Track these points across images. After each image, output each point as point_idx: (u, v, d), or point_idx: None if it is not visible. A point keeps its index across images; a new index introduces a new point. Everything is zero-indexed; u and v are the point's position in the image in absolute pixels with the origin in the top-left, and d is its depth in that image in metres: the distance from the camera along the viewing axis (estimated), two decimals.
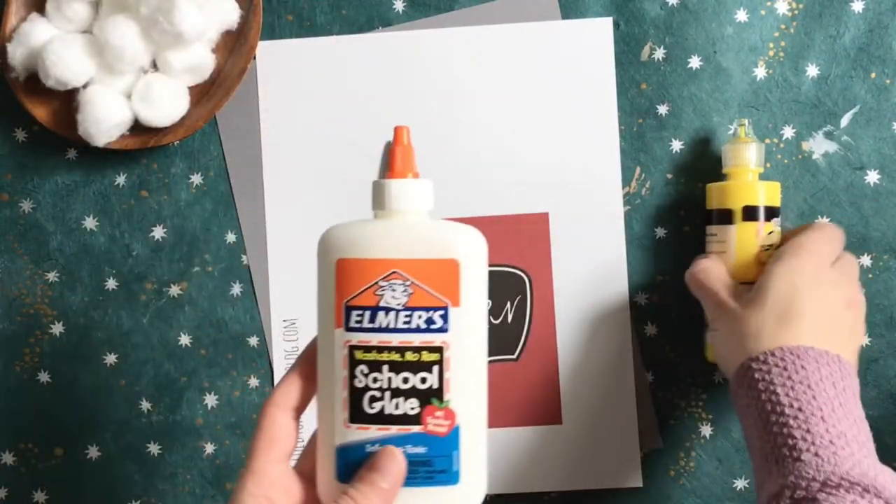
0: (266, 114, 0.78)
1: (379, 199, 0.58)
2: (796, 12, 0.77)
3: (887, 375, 0.77)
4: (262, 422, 0.57)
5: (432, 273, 0.56)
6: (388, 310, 0.56)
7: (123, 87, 0.75)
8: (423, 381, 0.56)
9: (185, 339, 0.78)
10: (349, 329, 0.56)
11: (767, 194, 0.73)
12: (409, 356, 0.56)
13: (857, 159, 0.77)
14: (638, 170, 0.77)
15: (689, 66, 0.77)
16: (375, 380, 0.56)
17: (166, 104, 0.75)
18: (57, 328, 0.78)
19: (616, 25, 0.77)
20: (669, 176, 0.77)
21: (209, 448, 0.78)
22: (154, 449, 0.78)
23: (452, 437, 0.56)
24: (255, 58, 0.77)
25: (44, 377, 0.78)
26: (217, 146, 0.78)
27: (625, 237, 0.77)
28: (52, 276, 0.78)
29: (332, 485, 0.57)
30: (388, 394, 0.56)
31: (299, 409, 0.58)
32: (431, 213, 0.58)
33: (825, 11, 0.77)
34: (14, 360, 0.78)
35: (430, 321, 0.56)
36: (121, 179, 0.78)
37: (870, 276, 0.77)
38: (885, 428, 0.77)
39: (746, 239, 0.72)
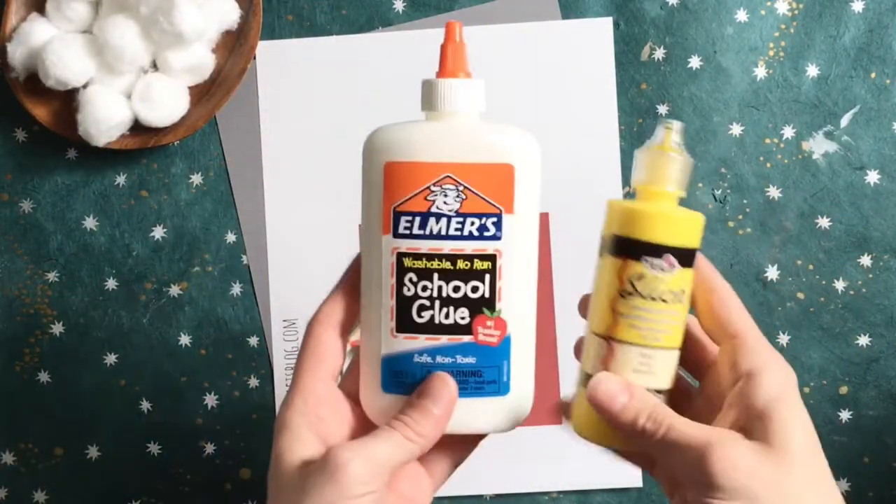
0: (266, 114, 0.78)
1: (429, 100, 0.55)
2: (796, 12, 0.77)
3: (887, 375, 0.77)
4: (308, 341, 0.55)
5: (486, 178, 0.53)
6: (439, 216, 0.54)
7: (123, 87, 0.75)
8: (475, 290, 0.54)
9: (185, 339, 0.78)
10: (397, 235, 0.54)
11: (674, 232, 0.53)
12: (461, 264, 0.54)
13: (857, 159, 0.77)
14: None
15: (689, 66, 0.77)
16: (425, 288, 0.54)
17: (166, 104, 0.75)
18: (57, 328, 0.78)
19: (616, 25, 0.77)
20: None
21: (209, 448, 0.78)
22: (154, 449, 0.78)
23: (503, 347, 0.55)
24: (255, 58, 0.77)
25: (44, 377, 0.78)
26: (217, 146, 0.78)
27: None
28: (52, 276, 0.78)
29: (378, 396, 0.55)
30: (437, 303, 0.54)
31: (346, 327, 0.56)
32: (483, 115, 0.56)
33: (825, 11, 0.77)
34: (14, 360, 0.78)
35: (482, 228, 0.54)
36: (121, 179, 0.78)
37: (870, 276, 0.77)
38: (884, 428, 0.77)
39: (607, 278, 0.54)
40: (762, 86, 0.77)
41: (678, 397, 0.55)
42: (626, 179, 0.77)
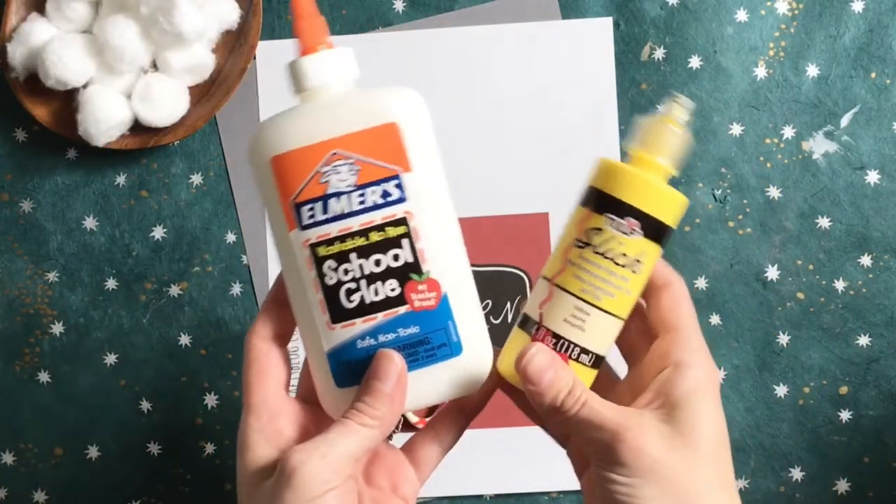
0: (266, 114, 0.78)
1: (297, 81, 0.53)
2: (796, 12, 0.77)
3: (887, 375, 0.77)
4: (248, 356, 0.54)
5: (374, 143, 0.51)
6: (339, 194, 0.52)
7: (123, 87, 0.75)
8: (396, 258, 0.52)
9: (185, 339, 0.78)
10: (304, 227, 0.52)
11: (645, 197, 0.52)
12: (375, 236, 0.52)
13: (857, 159, 0.77)
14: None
15: (689, 66, 0.77)
16: (346, 271, 0.52)
17: (166, 104, 0.75)
18: (57, 328, 0.78)
19: (616, 25, 0.78)
20: None
21: (209, 448, 0.78)
22: (154, 449, 0.78)
23: (443, 307, 0.53)
24: (255, 58, 0.77)
25: (44, 377, 0.78)
26: (217, 146, 0.78)
27: None
28: (52, 275, 0.78)
29: (334, 393, 0.54)
30: (363, 282, 0.52)
31: (284, 337, 0.56)
32: (357, 82, 0.53)
33: (825, 11, 0.77)
34: (14, 359, 0.78)
35: (385, 194, 0.52)
36: (121, 179, 0.78)
37: (870, 276, 0.77)
38: (884, 428, 0.77)
39: (570, 226, 0.54)
40: (762, 86, 0.77)
41: (602, 381, 0.55)
42: None
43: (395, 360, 0.52)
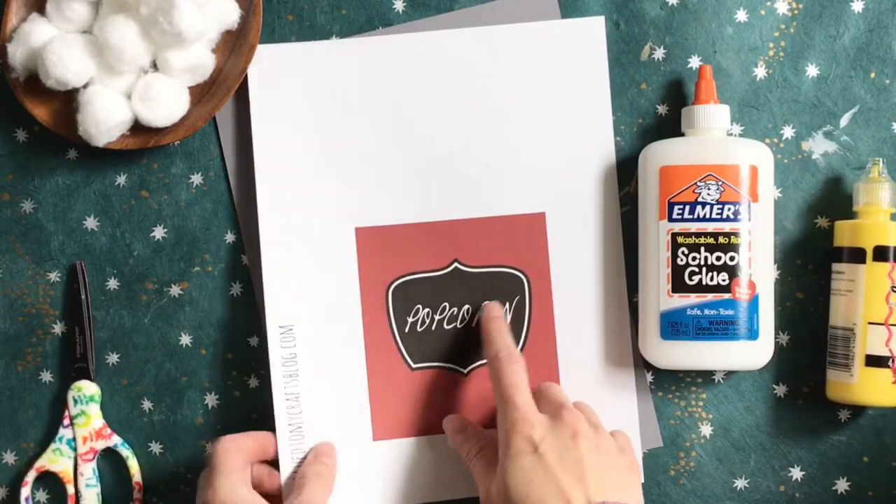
0: (258, 119, 0.77)
1: (689, 121, 0.74)
2: (796, 12, 0.77)
3: None
4: (215, 457, 0.71)
5: (738, 176, 0.72)
6: (704, 203, 0.72)
7: (123, 87, 0.75)
8: (732, 259, 0.72)
9: (185, 339, 0.78)
10: (671, 220, 0.73)
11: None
12: (721, 239, 0.72)
13: (856, 159, 0.77)
14: (638, 171, 0.77)
15: (689, 66, 0.77)
16: (694, 258, 0.72)
17: (166, 104, 0.75)
18: (59, 328, 0.79)
19: (616, 25, 0.77)
20: None
21: (209, 448, 0.78)
22: (155, 448, 0.79)
23: (754, 303, 0.72)
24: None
25: (46, 377, 0.79)
26: (217, 146, 0.78)
27: (622, 238, 0.77)
28: (53, 276, 0.79)
29: (657, 342, 0.73)
30: (704, 269, 0.72)
31: (249, 456, 0.72)
32: (728, 131, 0.75)
33: (825, 11, 0.77)
34: (16, 359, 0.79)
35: (736, 213, 0.72)
36: (121, 179, 0.79)
37: None
38: (884, 428, 0.77)
39: (878, 279, 0.72)
40: (762, 86, 0.77)
41: None
42: (626, 180, 0.77)
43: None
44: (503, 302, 0.77)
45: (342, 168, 0.77)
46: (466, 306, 0.77)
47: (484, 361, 0.76)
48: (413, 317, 0.77)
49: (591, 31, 0.77)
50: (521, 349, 0.77)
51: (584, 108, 0.77)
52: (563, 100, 0.77)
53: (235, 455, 0.70)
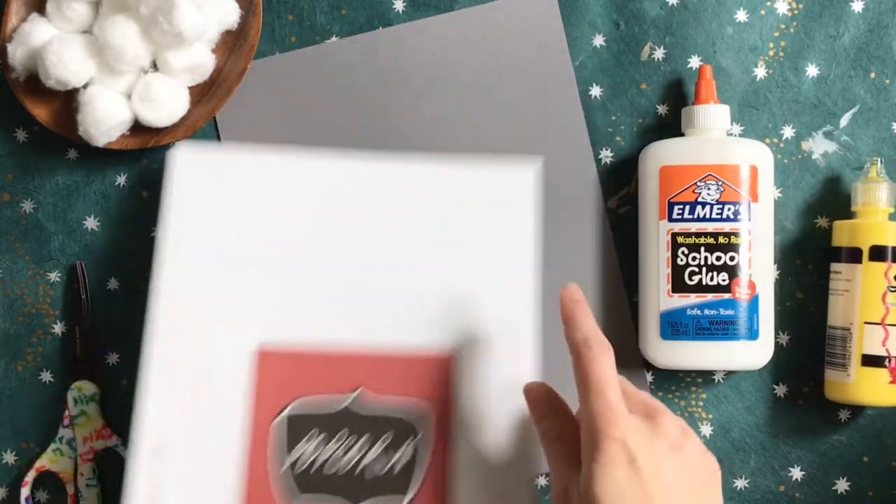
0: (169, 221, 0.73)
1: (689, 121, 0.74)
2: (796, 12, 0.77)
3: None
4: None
5: (738, 176, 0.72)
6: (704, 203, 0.72)
7: (123, 87, 0.75)
8: (732, 258, 0.72)
9: None
10: (671, 220, 0.72)
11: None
12: (721, 239, 0.72)
13: (856, 159, 0.77)
14: (638, 171, 0.77)
15: (689, 66, 0.77)
16: (694, 258, 0.72)
17: (166, 104, 0.75)
18: (59, 328, 0.79)
19: (616, 25, 0.78)
20: None
21: None
22: None
23: (753, 303, 0.72)
24: (252, 60, 0.77)
25: (46, 377, 0.79)
26: None
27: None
28: (53, 276, 0.79)
29: (657, 342, 0.73)
30: (704, 269, 0.72)
31: None
32: (728, 131, 0.75)
33: (825, 11, 0.77)
34: (16, 359, 0.79)
35: (736, 213, 0.72)
36: (121, 179, 0.79)
37: None
38: (884, 428, 0.77)
39: (874, 279, 0.72)
40: (762, 86, 0.77)
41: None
42: (626, 180, 0.77)
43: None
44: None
45: (248, 282, 0.72)
46: (366, 435, 0.70)
47: (380, 497, 0.70)
48: (307, 442, 0.70)
49: (522, 179, 0.74)
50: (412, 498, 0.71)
51: (505, 254, 0.73)
52: (485, 244, 0.73)
53: None
